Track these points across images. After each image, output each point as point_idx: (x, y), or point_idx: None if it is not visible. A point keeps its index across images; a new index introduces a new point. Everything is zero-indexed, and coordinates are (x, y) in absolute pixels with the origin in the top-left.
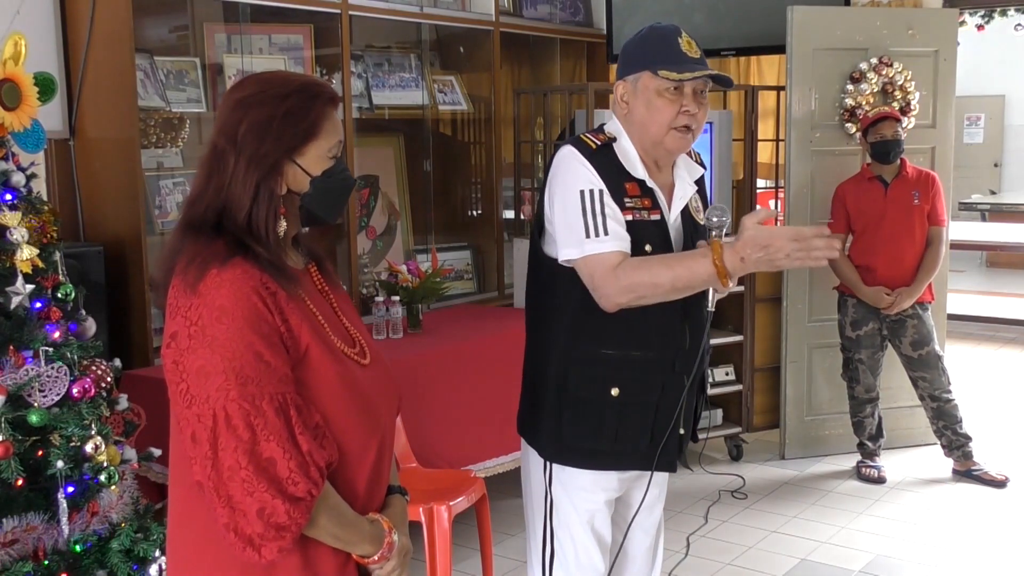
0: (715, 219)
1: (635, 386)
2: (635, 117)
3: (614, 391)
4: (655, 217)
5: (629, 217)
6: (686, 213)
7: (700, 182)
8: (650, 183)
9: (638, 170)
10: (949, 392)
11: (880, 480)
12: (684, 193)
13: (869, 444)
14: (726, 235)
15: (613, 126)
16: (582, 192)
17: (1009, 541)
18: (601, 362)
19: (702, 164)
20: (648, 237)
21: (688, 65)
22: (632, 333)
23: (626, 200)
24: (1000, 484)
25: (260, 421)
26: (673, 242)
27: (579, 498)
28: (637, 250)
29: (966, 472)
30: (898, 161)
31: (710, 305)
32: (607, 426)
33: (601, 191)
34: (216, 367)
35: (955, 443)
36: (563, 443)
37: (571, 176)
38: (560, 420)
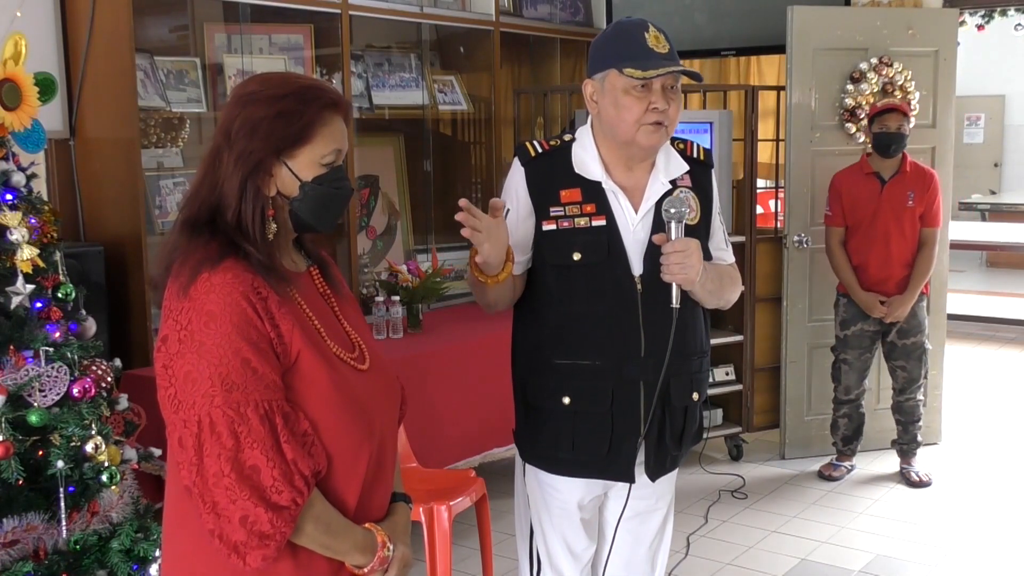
0: (672, 210)
1: (584, 395)
2: (604, 116)
3: (565, 400)
4: (598, 223)
5: (552, 227)
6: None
7: (700, 178)
8: (608, 185)
9: (592, 172)
10: (919, 390)
11: (836, 478)
12: (653, 194)
13: (839, 444)
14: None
15: (582, 127)
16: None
17: (1009, 541)
18: (553, 371)
19: (707, 160)
20: (578, 244)
21: (654, 61)
22: (582, 342)
23: (552, 209)
24: (923, 485)
25: (244, 428)
26: (635, 244)
27: (552, 498)
28: (564, 258)
29: (900, 470)
30: (899, 156)
31: (674, 301)
32: (563, 435)
33: (506, 212)
34: (202, 373)
35: (902, 439)
36: (528, 447)
37: (504, 190)
38: (526, 425)
